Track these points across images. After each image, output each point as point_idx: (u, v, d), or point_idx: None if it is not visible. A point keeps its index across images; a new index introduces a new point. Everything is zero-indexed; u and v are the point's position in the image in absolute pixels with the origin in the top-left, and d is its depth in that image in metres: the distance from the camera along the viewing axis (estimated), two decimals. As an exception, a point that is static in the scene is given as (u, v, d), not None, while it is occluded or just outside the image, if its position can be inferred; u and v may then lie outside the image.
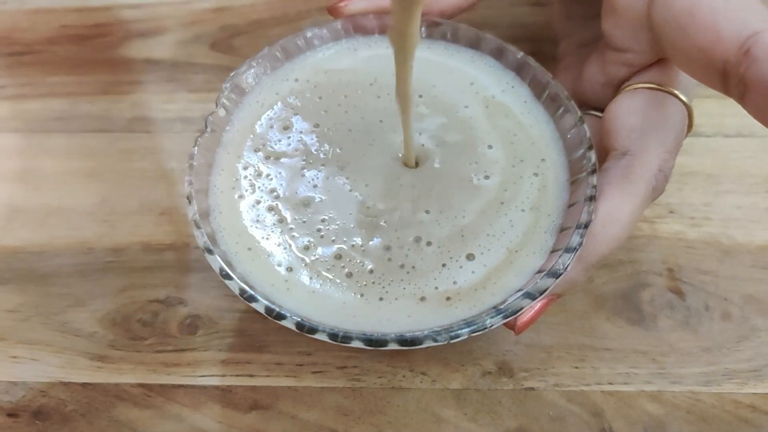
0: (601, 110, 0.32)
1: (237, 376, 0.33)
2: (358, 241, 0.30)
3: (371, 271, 0.29)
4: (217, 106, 0.32)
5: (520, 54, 0.33)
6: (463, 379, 0.33)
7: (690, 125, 0.31)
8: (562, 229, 0.29)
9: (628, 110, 0.30)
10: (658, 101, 0.30)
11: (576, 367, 0.33)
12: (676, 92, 0.30)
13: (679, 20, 0.26)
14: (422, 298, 0.28)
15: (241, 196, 0.31)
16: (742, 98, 0.25)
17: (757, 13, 0.25)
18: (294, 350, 0.34)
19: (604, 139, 0.30)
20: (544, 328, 0.34)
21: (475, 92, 0.33)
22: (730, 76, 0.25)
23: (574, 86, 0.34)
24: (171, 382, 0.33)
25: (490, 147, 0.32)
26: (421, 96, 0.33)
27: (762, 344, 0.33)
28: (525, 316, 0.28)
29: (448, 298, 0.28)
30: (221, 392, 0.33)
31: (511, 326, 0.28)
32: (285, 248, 0.29)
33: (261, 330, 0.34)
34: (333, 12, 0.34)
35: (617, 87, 0.32)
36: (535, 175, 0.31)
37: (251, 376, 0.33)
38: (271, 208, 0.30)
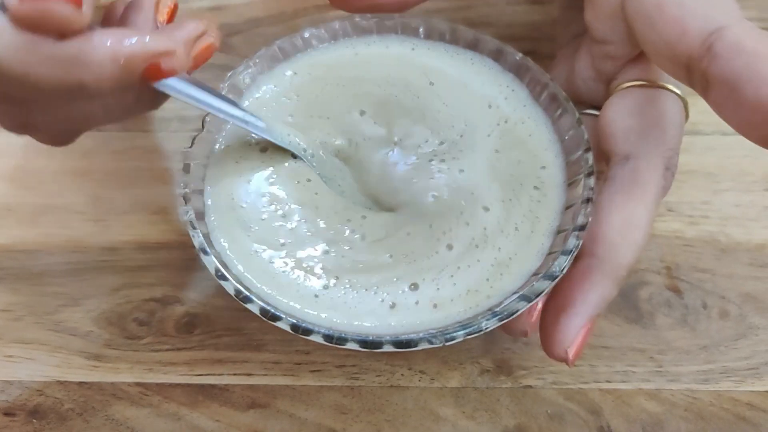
0: (595, 107, 0.32)
1: (234, 374, 0.33)
2: (358, 240, 0.29)
3: (369, 271, 0.29)
4: (214, 105, 0.32)
5: (519, 55, 0.33)
6: (462, 378, 0.33)
7: (686, 116, 0.30)
8: (559, 231, 0.29)
9: (623, 112, 0.29)
10: (651, 99, 0.29)
11: (574, 365, 0.33)
12: (668, 86, 0.30)
13: (649, 12, 0.26)
14: (425, 302, 0.28)
15: (236, 196, 0.30)
16: (704, 93, 0.25)
17: (724, 9, 0.25)
18: (292, 349, 0.33)
19: (603, 143, 0.30)
20: (543, 326, 0.34)
21: (476, 94, 0.33)
22: (693, 71, 0.25)
23: (568, 81, 0.34)
24: (168, 381, 0.33)
25: (497, 151, 0.32)
26: (419, 97, 0.33)
27: (760, 342, 0.33)
28: (574, 347, 0.27)
29: (435, 306, 0.28)
30: (219, 391, 0.33)
31: (515, 332, 0.28)
32: (280, 249, 0.29)
33: (258, 329, 0.34)
34: (345, 5, 0.33)
35: (607, 82, 0.32)
36: (535, 188, 0.31)
37: (249, 374, 0.33)
38: (267, 208, 0.30)
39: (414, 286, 0.28)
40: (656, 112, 0.29)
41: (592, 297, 0.27)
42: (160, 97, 0.27)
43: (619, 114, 0.29)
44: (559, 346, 0.27)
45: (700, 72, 0.24)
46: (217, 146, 0.32)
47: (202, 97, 0.28)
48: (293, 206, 0.30)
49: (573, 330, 0.27)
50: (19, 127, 0.27)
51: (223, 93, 0.31)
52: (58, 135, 0.28)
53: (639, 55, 0.30)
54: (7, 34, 0.22)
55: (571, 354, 0.27)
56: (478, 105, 0.33)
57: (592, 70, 0.32)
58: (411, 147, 0.32)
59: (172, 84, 0.26)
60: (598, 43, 0.31)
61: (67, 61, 0.22)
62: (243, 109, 0.30)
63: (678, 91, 0.30)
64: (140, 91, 0.26)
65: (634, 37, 0.28)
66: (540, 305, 0.28)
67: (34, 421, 0.32)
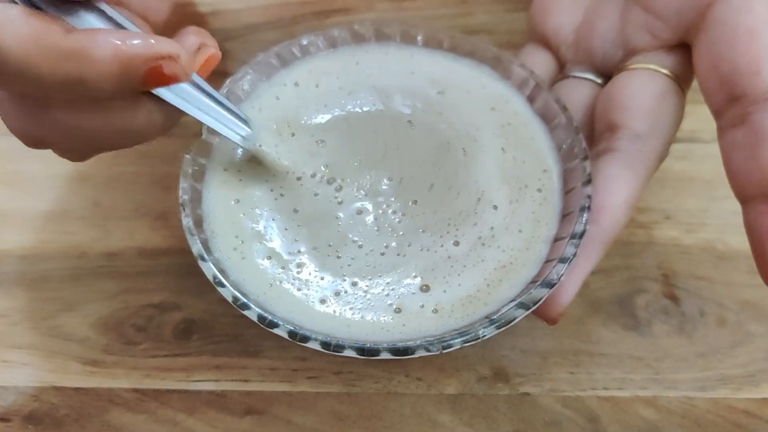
0: (600, 71, 0.32)
1: (231, 381, 0.33)
2: (353, 249, 0.29)
3: (366, 279, 0.29)
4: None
5: (517, 63, 0.33)
6: (459, 385, 0.33)
7: None
8: (556, 239, 0.29)
9: (650, 93, 0.30)
10: (673, 91, 0.30)
11: (571, 373, 0.33)
12: (684, 89, 0.31)
13: (735, 30, 0.26)
14: (423, 306, 0.28)
15: (235, 203, 0.31)
16: (729, 127, 0.26)
17: None
18: (289, 355, 0.33)
19: (612, 113, 0.30)
20: (540, 333, 0.34)
21: (477, 102, 0.33)
22: (736, 105, 0.25)
23: (577, 32, 0.33)
24: (165, 387, 0.33)
25: (503, 150, 0.32)
26: (419, 109, 0.33)
27: (757, 350, 0.33)
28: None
29: (435, 311, 0.28)
30: (215, 397, 0.33)
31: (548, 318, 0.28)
32: (279, 256, 0.29)
33: (256, 335, 0.34)
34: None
35: (629, 54, 0.32)
36: (538, 190, 0.31)
37: (246, 381, 0.33)
38: (265, 216, 0.30)
39: (426, 288, 0.28)
40: (673, 104, 0.30)
41: (589, 264, 0.28)
42: (171, 115, 0.27)
43: (646, 93, 0.30)
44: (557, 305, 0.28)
45: (744, 111, 0.25)
46: (216, 151, 0.32)
47: (205, 117, 0.28)
48: (292, 212, 0.30)
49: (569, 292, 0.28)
50: (35, 141, 0.26)
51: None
52: (74, 151, 0.28)
53: (678, 47, 0.30)
54: (17, 24, 0.21)
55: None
56: (482, 109, 0.33)
57: (620, 36, 0.32)
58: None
59: (174, 93, 0.26)
60: (647, 13, 0.30)
61: (69, 54, 0.22)
62: (247, 128, 0.30)
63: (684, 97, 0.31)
64: (148, 104, 0.25)
65: (694, 32, 0.28)
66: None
67: (30, 426, 0.32)
